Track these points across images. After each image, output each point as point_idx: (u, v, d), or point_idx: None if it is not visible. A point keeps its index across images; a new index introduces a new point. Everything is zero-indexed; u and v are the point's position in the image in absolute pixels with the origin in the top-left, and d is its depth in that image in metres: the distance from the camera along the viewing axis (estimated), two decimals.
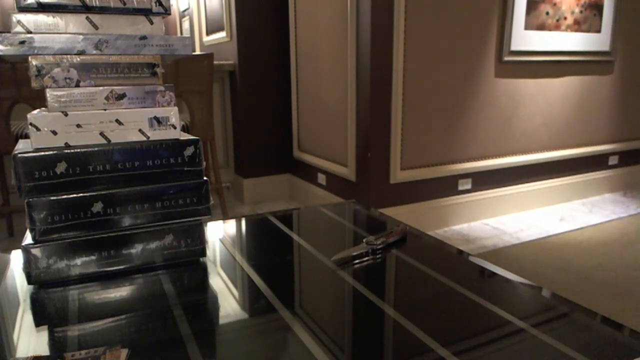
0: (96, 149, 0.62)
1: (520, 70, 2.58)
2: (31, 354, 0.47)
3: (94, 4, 0.61)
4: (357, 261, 0.69)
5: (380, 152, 2.27)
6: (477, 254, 2.15)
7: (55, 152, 0.60)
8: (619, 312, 1.59)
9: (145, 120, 0.65)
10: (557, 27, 2.63)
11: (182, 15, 4.49)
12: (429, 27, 2.25)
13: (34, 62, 0.60)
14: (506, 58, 2.49)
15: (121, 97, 0.64)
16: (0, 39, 0.58)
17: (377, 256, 0.70)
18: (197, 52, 3.61)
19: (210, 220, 0.78)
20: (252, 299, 0.60)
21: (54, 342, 0.50)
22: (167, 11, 0.65)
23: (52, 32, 0.61)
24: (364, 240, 0.72)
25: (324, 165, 2.64)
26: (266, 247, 0.80)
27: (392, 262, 0.70)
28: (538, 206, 2.78)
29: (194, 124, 2.37)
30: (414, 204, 2.43)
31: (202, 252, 0.69)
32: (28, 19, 0.59)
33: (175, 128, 0.67)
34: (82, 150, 0.61)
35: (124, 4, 0.62)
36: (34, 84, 0.61)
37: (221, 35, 3.09)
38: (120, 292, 0.61)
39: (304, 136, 2.88)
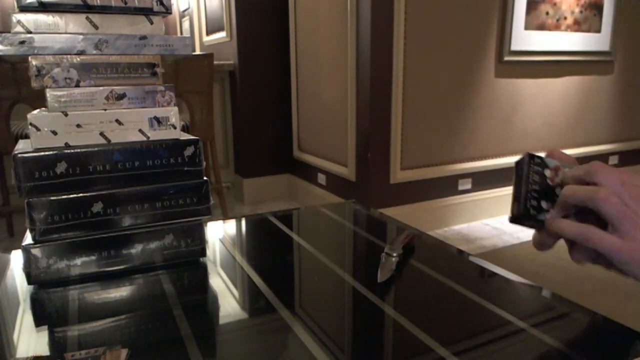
0: (96, 149, 0.62)
1: (520, 70, 2.58)
2: (31, 354, 0.47)
3: (95, 3, 0.61)
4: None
5: (380, 152, 2.27)
6: (477, 254, 2.15)
7: (55, 152, 0.60)
8: (619, 312, 1.59)
9: (145, 120, 0.65)
10: (557, 27, 2.63)
11: (182, 15, 4.49)
12: (429, 27, 2.25)
13: (34, 62, 0.60)
14: (506, 58, 2.49)
15: (121, 97, 0.64)
16: (0, 39, 0.58)
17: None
18: (197, 52, 3.61)
19: (210, 220, 0.78)
20: (252, 299, 0.60)
21: (54, 342, 0.50)
22: (168, 10, 0.65)
23: (52, 32, 0.60)
24: (385, 252, 0.67)
25: (324, 165, 2.64)
26: (266, 247, 0.80)
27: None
28: None
29: (194, 124, 2.37)
30: (414, 204, 2.43)
31: (202, 252, 0.69)
32: (28, 18, 0.59)
33: (175, 128, 0.67)
34: (82, 150, 0.61)
35: (125, 3, 0.62)
36: (34, 84, 0.60)
37: (221, 35, 3.09)
38: (120, 292, 0.61)
39: (304, 136, 2.88)
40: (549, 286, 0.60)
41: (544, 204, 0.46)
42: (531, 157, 0.47)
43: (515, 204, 0.46)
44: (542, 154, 0.48)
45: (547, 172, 0.46)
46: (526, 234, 2.42)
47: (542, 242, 0.47)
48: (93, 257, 0.63)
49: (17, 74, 1.99)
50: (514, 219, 0.47)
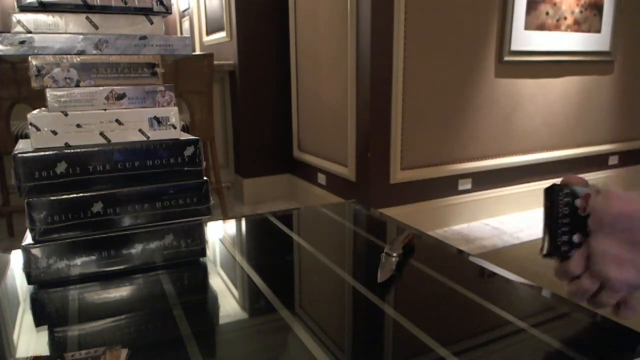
0: (96, 149, 0.62)
1: (520, 70, 2.58)
2: (31, 354, 0.47)
3: (95, 3, 0.61)
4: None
5: (380, 152, 2.27)
6: (477, 254, 2.15)
7: (55, 152, 0.60)
8: None
9: (145, 120, 0.65)
10: (557, 27, 2.63)
11: (182, 15, 4.48)
12: (429, 27, 2.25)
13: (34, 62, 0.60)
14: (506, 58, 2.48)
15: (121, 97, 0.64)
16: (0, 39, 0.58)
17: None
18: (197, 52, 3.61)
19: (210, 220, 0.78)
20: (252, 299, 0.60)
21: (54, 342, 0.50)
22: (168, 10, 0.65)
23: (52, 32, 0.60)
24: (385, 252, 0.67)
25: (324, 165, 2.64)
26: (266, 247, 0.80)
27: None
28: (538, 206, 2.77)
29: (194, 124, 2.37)
30: (414, 204, 2.43)
31: (202, 252, 0.69)
32: (28, 18, 0.59)
33: (175, 128, 0.67)
34: (82, 150, 0.61)
35: (125, 3, 0.62)
36: (34, 84, 0.60)
37: (221, 35, 3.09)
38: (120, 292, 0.61)
39: (304, 136, 2.88)
40: (549, 286, 0.60)
41: (575, 238, 0.44)
42: (560, 187, 0.45)
43: (547, 240, 0.46)
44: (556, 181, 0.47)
45: (578, 202, 0.45)
46: (526, 234, 2.42)
47: (565, 273, 0.46)
48: (93, 257, 0.63)
49: (17, 74, 1.98)
50: (546, 255, 0.46)
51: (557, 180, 0.48)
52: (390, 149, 2.28)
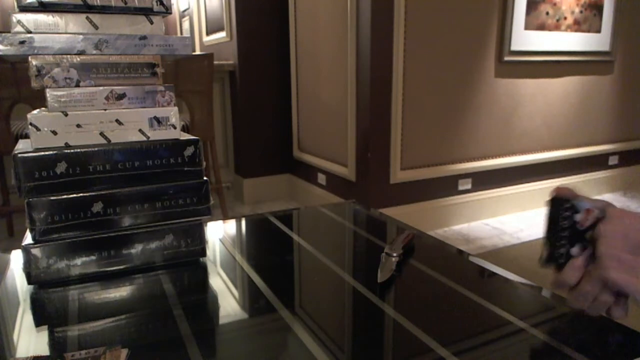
0: (96, 149, 0.62)
1: (520, 70, 2.58)
2: (31, 354, 0.47)
3: (95, 3, 0.61)
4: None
5: (380, 152, 2.27)
6: (477, 254, 2.15)
7: (55, 152, 0.60)
8: None
9: (145, 120, 0.65)
10: (557, 27, 2.63)
11: (182, 15, 4.48)
12: (429, 27, 2.25)
13: (34, 62, 0.60)
14: (506, 58, 2.48)
15: (121, 97, 0.64)
16: (0, 39, 0.58)
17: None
18: (197, 52, 3.61)
19: (210, 220, 0.78)
20: (252, 299, 0.60)
21: (54, 342, 0.50)
22: (168, 10, 0.65)
23: (52, 32, 0.60)
24: (385, 252, 0.67)
25: (324, 165, 2.64)
26: (266, 247, 0.80)
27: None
28: (538, 206, 2.77)
29: (194, 124, 2.37)
30: (414, 204, 2.43)
31: (202, 252, 0.69)
32: (28, 18, 0.59)
33: (175, 128, 0.67)
34: (82, 150, 0.61)
35: (125, 3, 0.62)
36: (34, 84, 0.60)
37: (221, 35, 3.09)
38: (120, 292, 0.61)
39: (304, 136, 2.88)
40: (548, 286, 0.60)
41: (573, 251, 0.46)
42: (561, 201, 0.47)
43: (545, 250, 0.48)
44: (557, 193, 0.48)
45: (578, 217, 0.46)
46: (526, 234, 2.42)
47: (561, 283, 0.47)
48: (93, 257, 0.63)
49: (17, 74, 1.98)
50: (543, 265, 0.48)
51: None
52: (390, 149, 2.28)
